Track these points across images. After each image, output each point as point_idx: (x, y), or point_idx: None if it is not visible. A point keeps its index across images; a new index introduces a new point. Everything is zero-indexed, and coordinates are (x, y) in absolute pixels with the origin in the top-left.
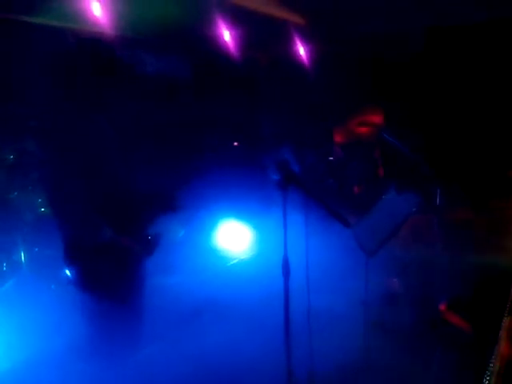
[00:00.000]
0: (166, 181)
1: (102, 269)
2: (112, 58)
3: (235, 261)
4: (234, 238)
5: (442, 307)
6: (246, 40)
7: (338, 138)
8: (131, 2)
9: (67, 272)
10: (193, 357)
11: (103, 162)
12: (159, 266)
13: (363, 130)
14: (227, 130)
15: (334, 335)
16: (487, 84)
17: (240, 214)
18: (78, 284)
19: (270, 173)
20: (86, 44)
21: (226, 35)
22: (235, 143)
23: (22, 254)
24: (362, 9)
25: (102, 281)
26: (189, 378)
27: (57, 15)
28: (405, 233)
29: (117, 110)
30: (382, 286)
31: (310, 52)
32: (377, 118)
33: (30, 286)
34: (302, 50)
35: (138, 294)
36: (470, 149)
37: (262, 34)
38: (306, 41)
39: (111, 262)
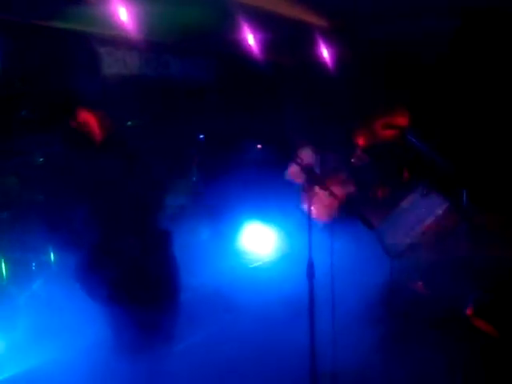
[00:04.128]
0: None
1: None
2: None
3: (259, 263)
4: (259, 240)
5: (469, 311)
6: (270, 43)
7: (363, 141)
8: (156, 6)
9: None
10: (215, 358)
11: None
12: (183, 267)
13: (388, 132)
14: (252, 133)
15: (358, 337)
16: None
17: (265, 216)
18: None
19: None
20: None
21: (250, 39)
22: (258, 146)
23: (51, 254)
24: (386, 10)
25: (124, 285)
26: (209, 378)
27: (83, 21)
28: (430, 236)
29: (143, 113)
30: (407, 289)
31: (334, 55)
32: (402, 120)
33: (59, 285)
34: (325, 53)
35: (165, 292)
36: (497, 149)
37: (286, 37)
38: (330, 44)
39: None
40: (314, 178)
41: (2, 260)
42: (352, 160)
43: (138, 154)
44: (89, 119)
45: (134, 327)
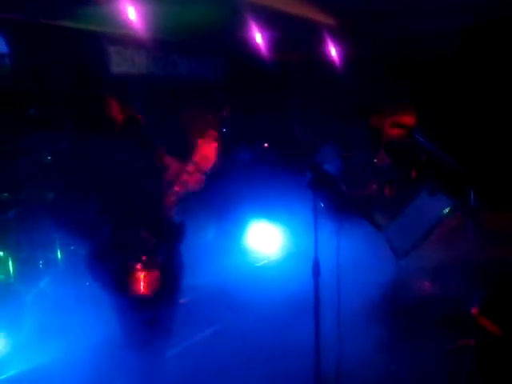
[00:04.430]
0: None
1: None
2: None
3: (265, 262)
4: (265, 238)
5: (475, 311)
6: (278, 42)
7: None
8: (165, 5)
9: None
10: (220, 357)
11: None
12: (189, 266)
13: (395, 131)
14: (259, 132)
15: (364, 336)
16: None
17: (271, 215)
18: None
19: (303, 174)
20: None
21: (258, 37)
22: (265, 144)
23: (58, 252)
24: (394, 8)
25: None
26: (213, 377)
27: (92, 20)
28: (437, 235)
29: (151, 111)
30: (414, 289)
31: (342, 53)
32: (409, 119)
33: (66, 283)
34: (333, 52)
35: (170, 290)
36: (505, 149)
37: (294, 35)
38: (339, 42)
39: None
40: (323, 176)
41: (10, 258)
42: (375, 160)
43: (153, 143)
44: (110, 101)
45: (142, 322)
